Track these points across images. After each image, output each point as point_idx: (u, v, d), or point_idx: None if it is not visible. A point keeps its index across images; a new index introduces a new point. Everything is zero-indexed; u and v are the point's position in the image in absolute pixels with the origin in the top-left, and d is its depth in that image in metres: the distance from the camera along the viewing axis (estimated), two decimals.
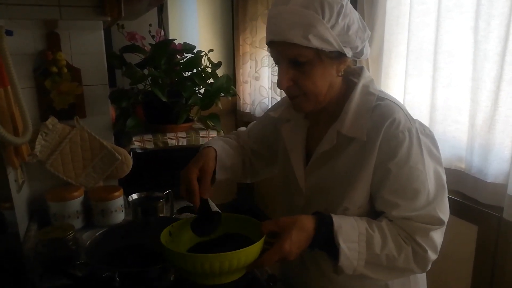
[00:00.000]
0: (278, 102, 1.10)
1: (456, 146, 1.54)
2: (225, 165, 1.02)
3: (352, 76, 0.93)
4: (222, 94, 1.60)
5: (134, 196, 1.36)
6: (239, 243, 0.85)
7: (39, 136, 1.34)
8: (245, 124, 1.27)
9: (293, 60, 0.83)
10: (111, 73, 1.54)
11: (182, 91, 1.53)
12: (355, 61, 0.96)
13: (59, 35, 1.37)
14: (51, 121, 1.36)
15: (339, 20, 0.79)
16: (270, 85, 2.99)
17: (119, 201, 1.40)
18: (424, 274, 1.00)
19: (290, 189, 1.01)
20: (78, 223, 1.35)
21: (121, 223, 1.36)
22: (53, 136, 1.37)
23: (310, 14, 0.78)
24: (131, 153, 1.51)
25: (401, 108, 0.87)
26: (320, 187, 0.93)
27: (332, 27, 0.79)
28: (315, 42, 0.78)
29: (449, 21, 1.48)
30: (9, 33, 1.12)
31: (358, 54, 0.89)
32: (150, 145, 1.55)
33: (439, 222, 0.84)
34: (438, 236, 0.84)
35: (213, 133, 1.63)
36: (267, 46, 0.87)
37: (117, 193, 1.39)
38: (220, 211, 0.97)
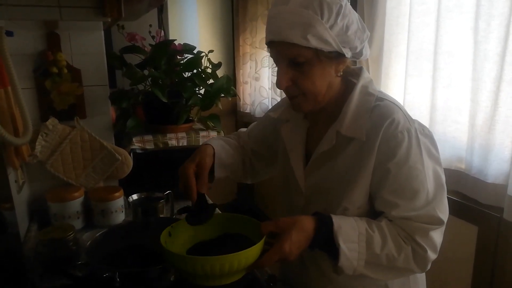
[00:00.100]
0: (278, 102, 1.10)
1: (456, 146, 1.54)
2: (223, 162, 1.03)
3: (351, 76, 0.93)
4: (222, 95, 1.60)
5: (134, 196, 1.36)
6: (239, 244, 0.85)
7: (40, 136, 1.34)
8: (245, 124, 1.27)
9: (292, 60, 0.83)
10: (111, 73, 1.54)
11: (182, 92, 1.53)
12: (354, 62, 0.96)
13: (59, 35, 1.37)
14: (51, 121, 1.36)
15: (338, 21, 0.80)
16: (270, 86, 2.99)
17: (119, 201, 1.40)
18: (424, 274, 1.00)
19: (290, 189, 1.01)
20: (78, 223, 1.35)
21: (121, 224, 1.36)
22: (53, 136, 1.37)
23: (309, 14, 0.78)
24: (131, 154, 1.51)
25: (400, 108, 0.87)
26: (320, 187, 0.93)
27: (331, 27, 0.79)
28: (314, 42, 0.79)
29: (449, 22, 1.48)
30: (9, 33, 1.12)
31: (358, 54, 0.89)
32: (150, 146, 1.55)
33: (439, 222, 0.84)
34: (437, 235, 0.85)
35: (213, 134, 1.63)
36: (267, 46, 0.87)
37: (117, 194, 1.39)
38: (215, 204, 0.98)
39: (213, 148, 1.02)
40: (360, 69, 0.93)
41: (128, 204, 1.39)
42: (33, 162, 1.33)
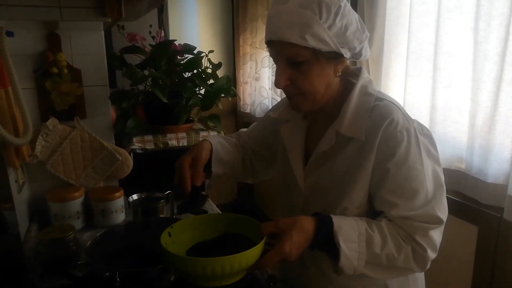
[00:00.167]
0: (278, 102, 1.11)
1: (456, 146, 1.54)
2: (221, 158, 1.05)
3: (350, 76, 0.94)
4: (223, 95, 1.60)
5: (135, 196, 1.36)
6: (239, 244, 0.85)
7: (40, 136, 1.34)
8: (246, 124, 1.28)
9: (290, 59, 0.83)
10: (111, 74, 1.54)
11: (182, 92, 1.53)
12: (354, 62, 0.96)
13: (60, 36, 1.37)
14: (52, 121, 1.36)
15: (337, 21, 0.80)
16: (270, 86, 2.99)
17: (120, 201, 1.40)
18: (423, 273, 1.00)
19: (289, 189, 1.01)
20: (78, 223, 1.35)
21: (122, 224, 1.36)
22: (53, 136, 1.37)
23: (307, 14, 0.78)
24: (132, 154, 1.51)
25: (399, 108, 0.87)
26: (319, 187, 0.93)
27: (329, 27, 0.80)
28: (312, 42, 0.79)
29: (449, 22, 1.48)
30: (9, 34, 1.13)
31: (357, 55, 0.89)
32: (150, 146, 1.55)
33: (438, 221, 0.84)
34: (437, 235, 0.85)
35: (214, 134, 1.63)
36: (266, 45, 0.88)
37: (117, 194, 1.39)
38: (207, 196, 0.99)
39: (211, 143, 1.04)
40: (360, 69, 0.93)
41: (128, 204, 1.39)
42: (33, 162, 1.33)
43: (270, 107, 1.41)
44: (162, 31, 1.78)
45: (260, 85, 3.08)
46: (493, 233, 1.44)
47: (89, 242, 0.98)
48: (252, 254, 0.76)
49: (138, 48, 1.57)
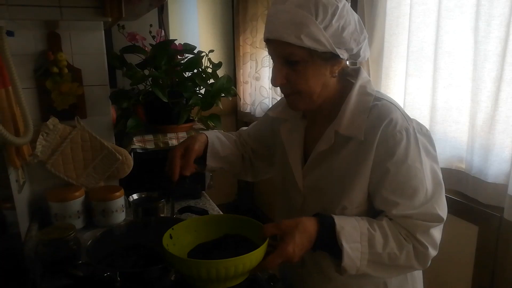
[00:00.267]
0: (277, 102, 1.11)
1: (456, 146, 1.54)
2: (217, 152, 1.07)
3: (349, 76, 0.94)
4: (223, 95, 1.60)
5: (135, 196, 1.36)
6: (241, 245, 0.85)
7: (40, 136, 1.34)
8: (246, 124, 1.28)
9: (286, 58, 0.84)
10: (111, 73, 1.54)
11: (182, 92, 1.53)
12: (354, 62, 0.96)
13: (60, 35, 1.37)
14: (52, 121, 1.36)
15: (333, 22, 0.80)
16: (270, 86, 2.99)
17: (120, 201, 1.40)
18: (421, 271, 1.01)
19: (288, 188, 1.01)
20: (79, 223, 1.35)
21: (122, 223, 1.36)
22: (54, 136, 1.37)
23: (303, 14, 0.79)
24: (132, 154, 1.51)
25: (398, 108, 0.88)
26: (318, 186, 0.93)
27: (325, 28, 0.80)
28: (307, 42, 0.79)
29: (450, 22, 1.48)
30: (10, 33, 1.13)
31: (355, 56, 0.89)
32: (150, 146, 1.55)
33: (439, 219, 0.85)
34: (437, 232, 0.86)
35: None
36: (265, 43, 0.88)
37: (117, 193, 1.39)
38: (194, 187, 1.01)
39: (207, 137, 1.05)
40: (358, 69, 0.94)
41: (128, 204, 1.39)
42: (34, 161, 1.33)
43: (270, 107, 1.41)
44: (162, 31, 1.78)
45: (260, 84, 3.08)
46: (493, 233, 1.44)
47: (89, 242, 0.99)
48: (255, 256, 0.75)
49: (138, 48, 1.57)
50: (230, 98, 1.69)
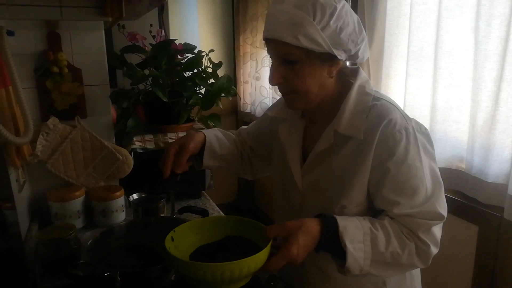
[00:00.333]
0: (276, 101, 1.12)
1: (456, 146, 1.54)
2: (214, 151, 1.07)
3: (348, 76, 0.94)
4: (223, 94, 1.60)
5: (135, 196, 1.36)
6: (243, 247, 0.85)
7: (40, 136, 1.34)
8: (246, 124, 1.28)
9: (284, 58, 0.84)
10: (112, 73, 1.54)
11: (182, 91, 1.53)
12: (355, 63, 0.96)
13: (60, 35, 1.37)
14: (52, 121, 1.36)
15: (331, 23, 0.80)
16: (270, 85, 2.99)
17: (120, 201, 1.40)
18: (419, 269, 1.02)
19: (287, 187, 1.02)
20: (79, 223, 1.35)
21: (122, 223, 1.36)
22: (54, 136, 1.37)
23: (301, 14, 0.79)
24: (132, 153, 1.51)
25: (396, 108, 0.88)
26: (317, 185, 0.94)
27: (323, 28, 0.80)
28: (304, 42, 0.80)
29: (450, 21, 1.48)
30: (10, 33, 1.13)
31: (353, 57, 0.90)
32: (151, 145, 1.55)
33: (440, 217, 0.86)
34: (438, 230, 0.87)
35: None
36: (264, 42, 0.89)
37: (118, 193, 1.39)
38: (181, 187, 1.02)
39: (205, 136, 1.06)
40: (357, 69, 0.94)
41: (128, 204, 1.39)
42: (34, 161, 1.33)
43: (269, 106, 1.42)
44: (163, 31, 1.78)
45: (260, 84, 3.08)
46: (493, 232, 1.44)
47: (89, 242, 0.99)
48: (259, 258, 0.75)
49: (138, 48, 1.57)
50: (230, 98, 1.69)
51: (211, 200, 1.65)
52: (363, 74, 0.93)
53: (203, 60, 1.59)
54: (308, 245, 0.80)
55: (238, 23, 3.19)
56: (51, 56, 1.34)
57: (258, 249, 0.76)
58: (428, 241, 0.84)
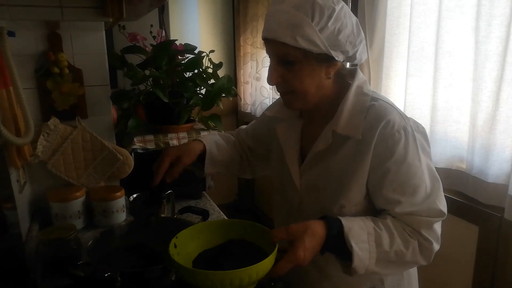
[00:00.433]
0: (274, 102, 1.13)
1: (457, 146, 1.54)
2: (215, 158, 1.09)
3: (346, 77, 0.95)
4: (223, 95, 1.61)
5: (135, 196, 1.36)
6: (246, 251, 0.85)
7: (41, 136, 1.34)
8: (246, 124, 1.29)
9: (282, 58, 0.85)
10: (112, 73, 1.54)
11: (183, 92, 1.53)
12: (355, 64, 0.96)
13: (61, 36, 1.37)
14: (53, 121, 1.37)
15: (329, 24, 0.81)
16: (271, 86, 2.99)
17: (121, 201, 1.40)
18: (416, 268, 1.04)
19: (286, 187, 1.02)
20: (79, 223, 1.35)
21: (123, 223, 1.37)
22: (54, 136, 1.38)
23: (300, 16, 0.80)
24: (133, 154, 1.51)
25: (394, 108, 0.89)
26: (315, 185, 0.94)
27: (321, 30, 0.81)
28: (302, 43, 0.80)
29: (450, 22, 1.48)
30: (11, 34, 1.13)
31: (351, 58, 0.90)
32: (151, 146, 1.55)
33: (441, 214, 0.87)
34: (438, 227, 0.88)
35: (214, 133, 1.63)
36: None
37: (118, 194, 1.40)
38: (167, 201, 1.04)
39: (204, 144, 1.07)
40: (355, 70, 0.95)
41: (129, 204, 1.39)
42: (35, 162, 1.33)
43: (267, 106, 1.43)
44: (163, 31, 1.78)
45: (261, 84, 3.09)
46: (494, 233, 1.44)
47: (90, 242, 0.99)
48: (268, 263, 0.75)
49: (139, 48, 1.57)
50: (231, 98, 1.69)
51: (211, 200, 1.65)
52: (360, 75, 0.94)
53: (204, 61, 1.59)
54: (314, 247, 0.80)
55: (239, 23, 3.19)
56: (51, 56, 1.35)
57: (261, 251, 0.76)
58: (430, 238, 0.85)
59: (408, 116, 0.91)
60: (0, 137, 1.00)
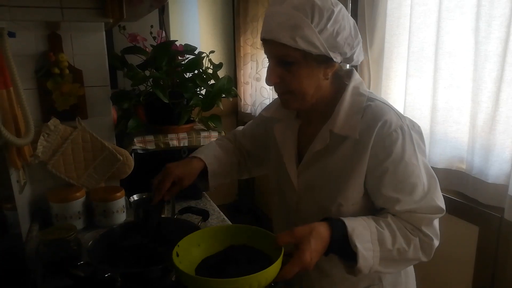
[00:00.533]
0: (271, 102, 1.14)
1: (457, 147, 1.54)
2: (217, 174, 1.11)
3: (342, 78, 0.96)
4: (223, 95, 1.61)
5: (136, 197, 1.36)
6: (249, 256, 0.84)
7: (41, 137, 1.34)
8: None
9: (281, 59, 0.85)
10: (112, 74, 1.54)
11: (183, 92, 1.53)
12: (355, 65, 0.97)
13: (61, 36, 1.38)
14: (53, 122, 1.37)
15: (328, 26, 0.81)
16: (271, 86, 2.99)
17: (121, 202, 1.40)
18: (412, 266, 1.04)
19: (283, 187, 1.03)
20: (79, 223, 1.35)
21: (123, 224, 1.37)
22: (55, 137, 1.38)
23: (299, 17, 0.80)
24: (133, 154, 1.51)
25: (391, 108, 0.90)
26: (313, 185, 0.95)
27: (320, 31, 0.81)
28: (302, 44, 0.81)
29: (450, 22, 1.48)
30: (11, 34, 1.13)
31: (348, 60, 0.91)
32: (151, 146, 1.55)
33: (440, 210, 0.88)
34: (437, 223, 0.89)
35: (214, 134, 1.63)
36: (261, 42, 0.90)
37: (118, 194, 1.40)
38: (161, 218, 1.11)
39: (204, 162, 1.08)
40: (351, 71, 0.96)
41: (129, 205, 1.39)
42: (35, 162, 1.34)
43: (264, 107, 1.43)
44: (163, 32, 1.79)
45: (261, 85, 3.09)
46: (493, 233, 1.44)
47: (90, 242, 0.99)
48: (275, 268, 0.74)
49: (139, 49, 1.58)
50: (231, 99, 1.69)
51: (211, 201, 1.66)
52: (357, 75, 0.95)
53: (204, 61, 1.60)
54: (319, 249, 0.80)
55: (239, 24, 3.20)
56: (52, 57, 1.35)
57: (264, 256, 0.75)
58: (431, 234, 0.87)
59: (408, 116, 0.92)
60: (1, 138, 1.00)
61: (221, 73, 1.64)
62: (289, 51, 0.82)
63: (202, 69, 1.59)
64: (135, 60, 1.58)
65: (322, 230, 0.81)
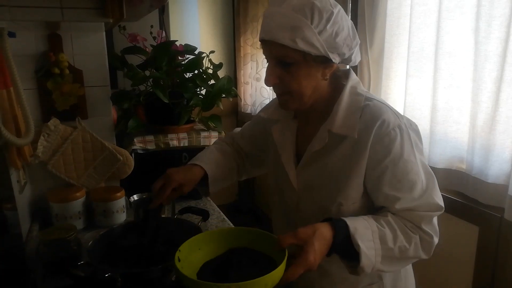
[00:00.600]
0: (269, 103, 1.14)
1: (457, 147, 1.55)
2: (218, 180, 1.11)
3: (340, 78, 0.96)
4: (223, 95, 1.61)
5: (136, 197, 1.36)
6: (251, 259, 0.84)
7: (41, 137, 1.34)
8: None
9: (280, 59, 0.86)
10: (112, 74, 1.54)
11: (183, 92, 1.53)
12: (355, 66, 0.97)
13: (61, 36, 1.38)
14: (53, 122, 1.37)
15: (328, 27, 0.82)
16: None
17: (121, 202, 1.40)
18: (411, 264, 1.04)
19: (283, 188, 1.03)
20: (80, 223, 1.35)
21: (123, 224, 1.37)
22: (55, 137, 1.38)
23: (299, 18, 0.80)
24: (133, 154, 1.51)
25: (388, 107, 0.90)
26: (312, 185, 0.95)
27: (320, 32, 0.82)
28: (302, 45, 0.81)
29: (450, 22, 1.48)
30: (11, 34, 1.13)
31: (346, 60, 0.91)
32: (151, 146, 1.55)
33: (439, 208, 0.88)
34: (436, 221, 0.90)
35: (214, 134, 1.63)
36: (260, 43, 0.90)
37: (118, 194, 1.40)
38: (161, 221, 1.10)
39: (205, 171, 1.08)
40: (348, 71, 0.96)
41: (129, 205, 1.39)
42: (35, 162, 1.34)
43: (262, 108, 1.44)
44: (163, 32, 1.79)
45: (261, 85, 3.09)
46: (493, 233, 1.44)
47: (90, 242, 0.99)
48: (280, 271, 0.74)
49: (139, 49, 1.58)
50: (231, 99, 1.69)
51: (211, 201, 1.66)
52: (354, 76, 0.96)
53: (204, 61, 1.60)
54: (323, 250, 0.80)
55: (239, 24, 3.20)
56: (52, 57, 1.35)
57: (265, 258, 0.74)
58: (431, 232, 0.87)
59: (408, 116, 0.93)
60: (1, 138, 1.00)
61: (221, 73, 1.64)
62: (289, 52, 0.83)
63: (202, 69, 1.59)
64: (135, 60, 1.59)
65: (325, 231, 0.81)
